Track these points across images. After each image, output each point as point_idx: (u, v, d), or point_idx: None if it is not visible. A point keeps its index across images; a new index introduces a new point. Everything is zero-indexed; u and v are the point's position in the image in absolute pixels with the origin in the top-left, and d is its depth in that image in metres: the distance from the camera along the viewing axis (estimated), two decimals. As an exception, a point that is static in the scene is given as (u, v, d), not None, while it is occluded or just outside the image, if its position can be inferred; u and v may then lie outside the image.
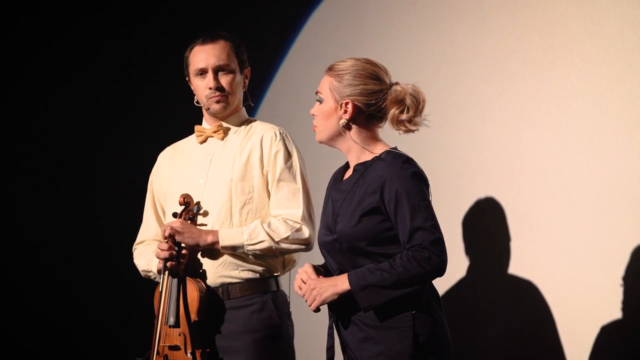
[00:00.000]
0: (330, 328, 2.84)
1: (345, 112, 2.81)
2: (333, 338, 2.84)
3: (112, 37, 5.04)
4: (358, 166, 2.82)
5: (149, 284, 3.34)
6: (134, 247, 3.44)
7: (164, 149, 3.46)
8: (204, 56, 3.27)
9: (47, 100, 5.01)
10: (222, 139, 3.33)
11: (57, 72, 5.00)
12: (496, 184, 3.69)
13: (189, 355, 3.10)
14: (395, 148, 2.83)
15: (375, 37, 4.20)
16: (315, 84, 4.35)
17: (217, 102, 3.28)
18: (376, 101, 2.80)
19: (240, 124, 3.35)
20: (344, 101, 2.81)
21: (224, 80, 3.27)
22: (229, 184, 3.23)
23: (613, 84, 3.35)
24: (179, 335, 3.12)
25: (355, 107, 2.80)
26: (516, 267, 3.62)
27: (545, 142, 3.54)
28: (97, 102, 5.06)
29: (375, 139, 2.85)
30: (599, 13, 3.40)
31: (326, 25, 4.46)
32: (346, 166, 2.92)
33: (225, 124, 3.34)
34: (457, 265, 3.78)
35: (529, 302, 3.57)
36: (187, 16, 4.92)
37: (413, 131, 2.82)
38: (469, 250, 3.77)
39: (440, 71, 3.92)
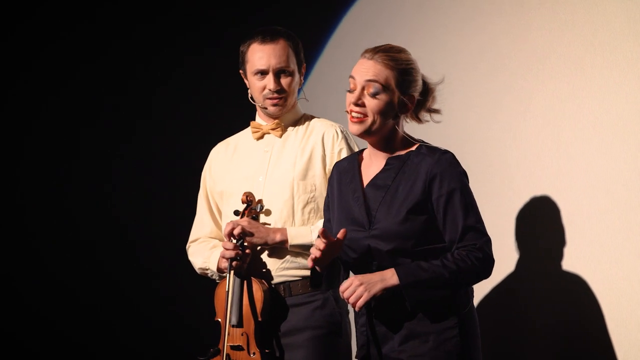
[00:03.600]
0: (362, 325, 2.80)
1: (406, 106, 2.78)
2: (366, 336, 2.80)
3: (138, 27, 4.99)
4: (392, 160, 2.79)
5: (203, 284, 3.34)
6: (187, 245, 3.44)
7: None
8: (264, 57, 3.25)
9: (52, 99, 4.95)
10: (281, 136, 3.32)
11: (65, 70, 4.94)
12: (535, 181, 3.67)
13: (252, 355, 3.10)
14: (422, 140, 2.84)
15: (412, 31, 4.16)
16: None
17: (275, 104, 3.27)
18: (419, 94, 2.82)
19: (297, 120, 3.35)
20: (410, 96, 2.78)
21: (285, 82, 3.26)
22: (290, 183, 3.23)
23: (657, 82, 3.37)
24: (242, 335, 3.12)
25: (416, 101, 2.79)
26: (556, 267, 3.62)
27: (586, 141, 3.53)
28: (115, 101, 5.01)
29: (404, 131, 2.85)
30: (643, 10, 3.41)
31: (362, 21, 4.42)
32: (355, 158, 2.88)
33: (283, 121, 3.33)
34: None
35: (569, 302, 3.57)
36: (219, 9, 4.87)
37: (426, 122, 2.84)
38: (503, 250, 3.77)
39: (479, 67, 3.90)
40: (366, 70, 2.75)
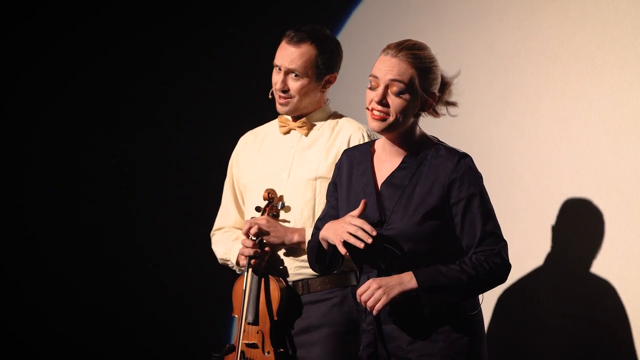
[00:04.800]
0: (370, 324, 2.79)
1: (427, 103, 2.75)
2: (373, 334, 2.79)
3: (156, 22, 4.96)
4: (408, 159, 2.76)
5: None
6: (212, 232, 3.43)
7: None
8: (282, 54, 3.25)
9: (53, 99, 4.93)
10: (307, 134, 3.31)
11: (66, 70, 4.91)
12: (544, 180, 3.67)
13: (266, 354, 3.09)
14: (438, 139, 2.82)
15: (419, 30, 4.13)
16: (358, 78, 4.30)
17: (280, 103, 3.28)
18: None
19: (325, 119, 3.33)
20: (431, 93, 2.75)
21: (292, 84, 3.25)
22: (313, 183, 3.22)
23: (668, 80, 3.37)
24: (257, 333, 3.12)
25: (437, 98, 2.78)
26: (565, 266, 3.62)
27: (597, 139, 3.52)
28: (129, 94, 4.98)
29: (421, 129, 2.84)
30: (654, 8, 3.41)
31: (368, 20, 4.42)
32: (368, 150, 2.85)
33: (310, 119, 3.32)
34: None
35: (577, 300, 3.57)
36: (229, 4, 4.86)
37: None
38: (510, 249, 3.74)
39: (488, 65, 3.89)
40: (390, 69, 2.70)
